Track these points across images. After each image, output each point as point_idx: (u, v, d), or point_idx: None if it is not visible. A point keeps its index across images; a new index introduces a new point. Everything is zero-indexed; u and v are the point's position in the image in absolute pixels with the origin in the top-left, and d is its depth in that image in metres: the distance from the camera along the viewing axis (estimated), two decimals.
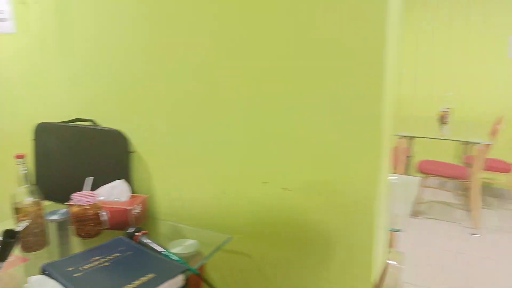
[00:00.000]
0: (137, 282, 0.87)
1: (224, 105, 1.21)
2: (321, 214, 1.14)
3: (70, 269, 0.91)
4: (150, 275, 0.90)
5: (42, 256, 1.08)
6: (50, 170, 1.51)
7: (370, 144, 1.03)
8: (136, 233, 1.10)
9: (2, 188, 1.52)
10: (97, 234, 1.18)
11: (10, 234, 0.93)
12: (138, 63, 1.32)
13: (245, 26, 1.12)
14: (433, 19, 4.11)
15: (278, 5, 1.07)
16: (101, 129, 1.42)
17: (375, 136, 1.03)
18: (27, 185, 1.09)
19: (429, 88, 4.24)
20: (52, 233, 1.17)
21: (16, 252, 1.06)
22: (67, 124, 1.47)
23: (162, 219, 1.40)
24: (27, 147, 1.55)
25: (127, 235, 1.10)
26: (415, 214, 3.62)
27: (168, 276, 0.91)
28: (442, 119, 3.70)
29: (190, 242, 1.15)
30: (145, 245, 1.07)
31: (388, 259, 1.25)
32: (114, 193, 1.28)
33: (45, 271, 0.91)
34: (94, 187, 1.25)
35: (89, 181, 1.23)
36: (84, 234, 1.17)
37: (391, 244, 1.43)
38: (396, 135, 3.28)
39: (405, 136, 3.30)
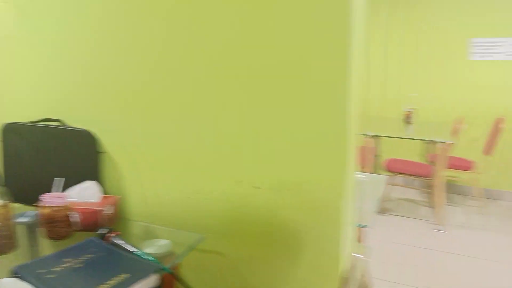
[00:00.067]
0: (111, 282, 0.87)
1: (197, 105, 1.22)
2: (292, 212, 1.18)
3: (42, 271, 0.90)
4: (124, 275, 0.90)
5: (11, 259, 1.06)
6: (19, 172, 1.48)
7: (337, 143, 1.08)
8: (108, 234, 1.10)
9: None
10: (68, 235, 1.17)
11: None
12: (107, 63, 1.32)
13: (218, 29, 1.14)
14: (399, 22, 4.25)
15: (245, 8, 1.09)
16: (69, 129, 1.41)
17: (341, 136, 1.07)
18: None
19: (396, 89, 4.38)
20: (22, 235, 1.15)
21: None
22: (35, 124, 1.44)
23: (135, 220, 1.40)
24: None
25: (99, 236, 1.10)
26: (382, 211, 3.73)
27: (142, 275, 0.91)
28: (407, 119, 3.83)
29: (163, 242, 1.15)
30: (118, 245, 1.07)
31: (355, 253, 1.30)
32: (85, 194, 1.27)
33: (16, 273, 0.90)
34: (64, 189, 1.23)
35: (59, 182, 1.22)
36: (55, 236, 1.15)
37: (359, 240, 1.49)
38: (364, 135, 3.37)
39: (372, 136, 3.40)
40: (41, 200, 1.15)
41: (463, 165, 3.72)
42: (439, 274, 2.63)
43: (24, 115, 1.49)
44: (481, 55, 3.97)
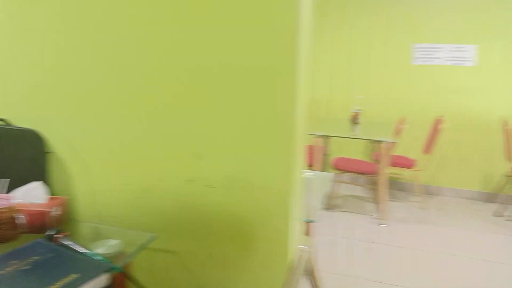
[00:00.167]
0: (60, 283, 0.86)
1: (147, 105, 1.23)
2: (243, 208, 1.22)
3: None
4: (74, 276, 0.90)
5: None
6: None
7: (285, 143, 1.13)
8: (56, 235, 1.08)
9: None
10: (13, 238, 1.14)
11: None
12: (54, 61, 1.29)
13: (167, 30, 1.16)
14: (347, 28, 4.42)
15: (191, 9, 1.12)
16: (15, 129, 1.36)
17: (289, 136, 1.12)
18: None
19: (344, 91, 4.56)
20: None
21: None
22: None
23: (84, 220, 1.38)
24: None
25: (47, 237, 1.08)
26: (331, 207, 3.87)
27: (92, 275, 0.91)
28: (354, 120, 4.00)
29: (113, 242, 1.15)
30: (67, 247, 1.05)
31: (302, 246, 1.36)
32: (31, 195, 1.24)
33: None
34: (9, 190, 1.20)
35: (3, 183, 1.18)
36: (0, 239, 1.12)
37: (306, 233, 1.56)
38: (313, 134, 3.49)
39: (321, 136, 3.52)
40: None
41: (405, 163, 3.94)
42: (383, 265, 2.79)
43: None
44: (422, 60, 4.22)
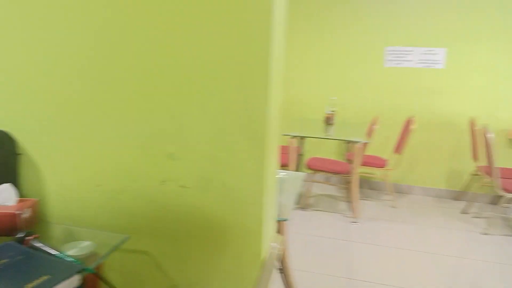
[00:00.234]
0: (31, 285, 0.86)
1: (118, 105, 1.23)
2: (216, 208, 1.24)
3: None
4: (45, 277, 0.90)
5: None
6: None
7: (257, 143, 1.15)
8: (27, 238, 1.07)
9: None
10: None
11: None
12: (24, 61, 1.27)
13: (142, 30, 1.16)
14: (320, 30, 4.49)
15: (164, 9, 1.13)
16: None
17: (262, 136, 1.15)
18: None
19: (318, 92, 4.63)
20: None
21: None
22: None
23: (56, 222, 1.36)
24: None
25: (16, 240, 1.07)
26: (304, 206, 3.93)
27: (63, 276, 0.91)
28: (328, 121, 4.08)
29: (85, 243, 1.15)
30: (37, 249, 1.04)
31: (275, 243, 1.39)
32: (0, 197, 1.22)
33: None
34: None
35: None
36: None
37: (279, 232, 1.59)
38: (288, 135, 3.53)
39: (296, 136, 3.57)
40: None
41: (377, 163, 4.04)
42: (355, 263, 2.86)
43: None
44: (394, 62, 4.33)
